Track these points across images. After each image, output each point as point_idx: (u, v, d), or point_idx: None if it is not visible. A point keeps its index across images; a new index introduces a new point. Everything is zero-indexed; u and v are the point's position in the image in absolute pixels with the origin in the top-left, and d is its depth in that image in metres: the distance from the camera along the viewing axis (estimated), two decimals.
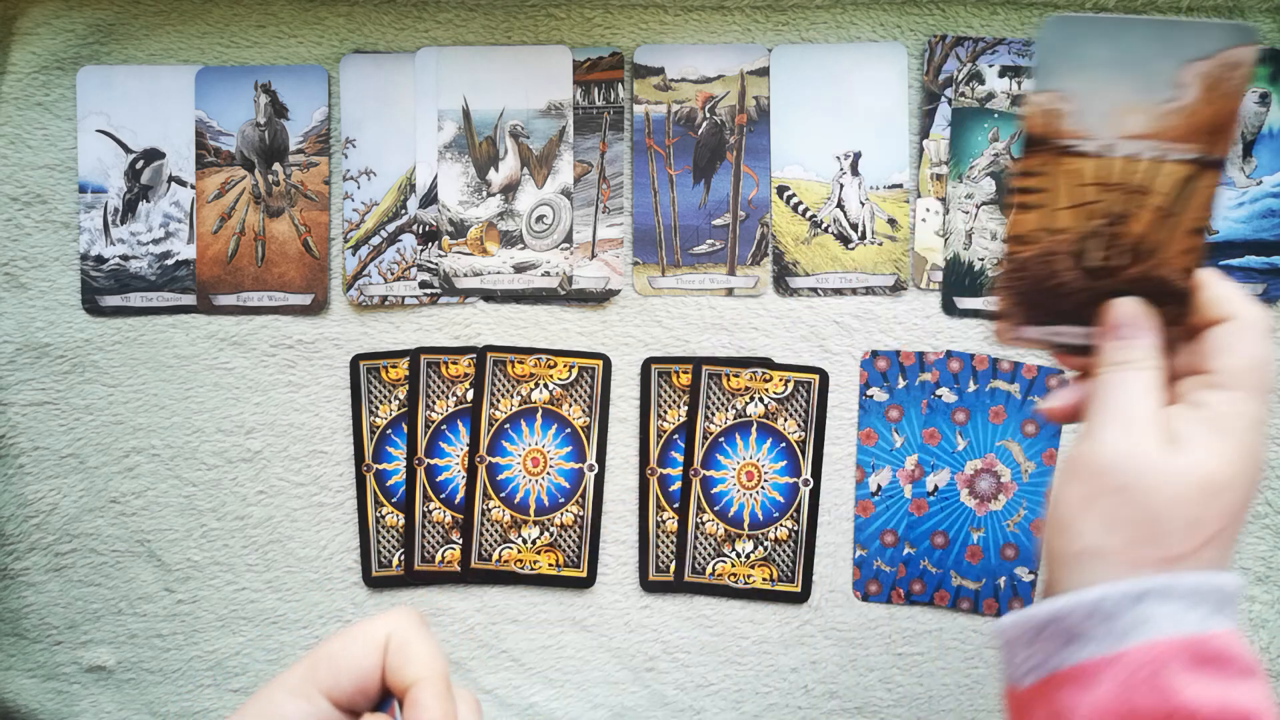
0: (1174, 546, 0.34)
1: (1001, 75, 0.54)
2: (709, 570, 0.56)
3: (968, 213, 0.55)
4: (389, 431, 0.56)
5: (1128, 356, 0.38)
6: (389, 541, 0.56)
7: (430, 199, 0.55)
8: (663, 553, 0.56)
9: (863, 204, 0.55)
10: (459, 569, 0.56)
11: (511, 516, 0.56)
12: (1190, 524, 0.34)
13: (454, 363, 0.56)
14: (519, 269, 0.56)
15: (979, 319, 0.55)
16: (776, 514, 0.56)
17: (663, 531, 0.56)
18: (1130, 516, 0.35)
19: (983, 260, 0.55)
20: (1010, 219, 0.40)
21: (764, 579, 0.56)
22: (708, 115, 0.55)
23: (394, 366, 0.56)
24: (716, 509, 0.56)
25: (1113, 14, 0.43)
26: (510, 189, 0.56)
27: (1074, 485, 0.36)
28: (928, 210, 0.55)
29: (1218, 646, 0.33)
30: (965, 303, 0.55)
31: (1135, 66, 0.38)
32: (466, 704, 0.32)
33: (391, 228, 0.56)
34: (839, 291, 0.55)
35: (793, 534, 0.56)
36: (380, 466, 0.56)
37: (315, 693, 0.30)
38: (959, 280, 0.55)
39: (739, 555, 0.56)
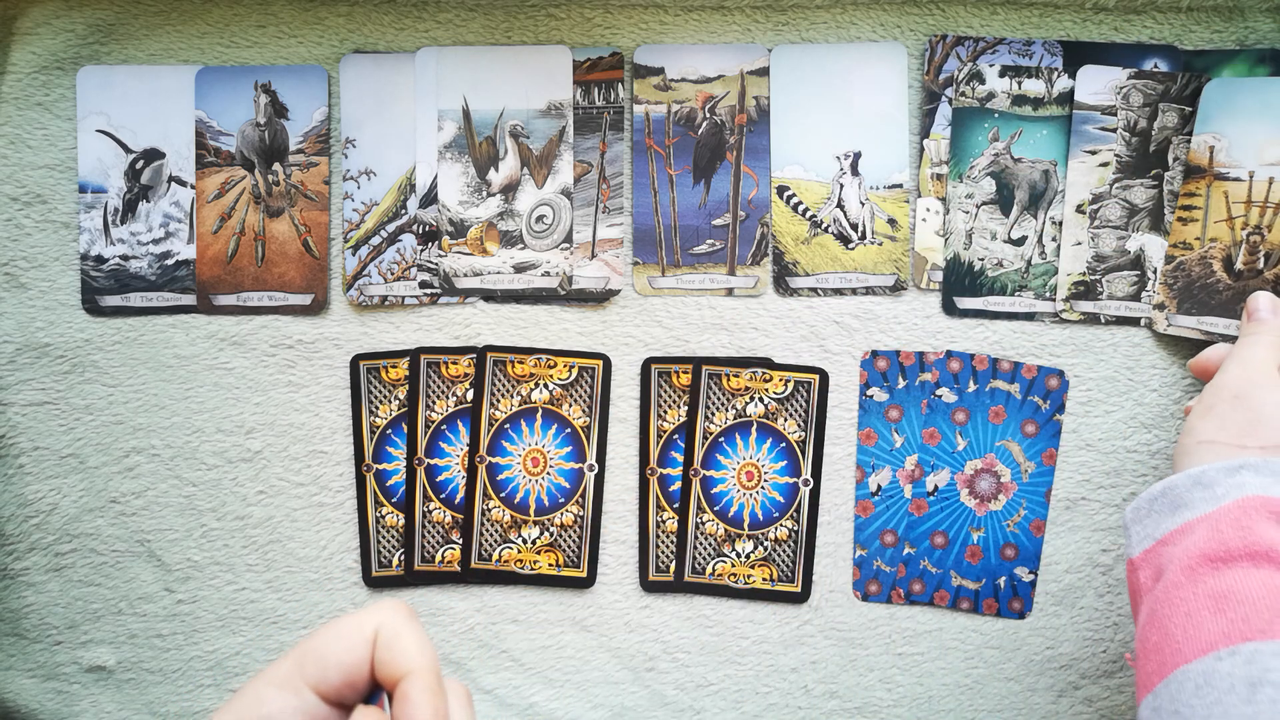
0: (1272, 438, 0.43)
1: (1002, 75, 0.54)
2: (709, 570, 0.56)
3: (968, 212, 0.55)
4: (389, 431, 0.56)
5: (1257, 330, 0.48)
6: (389, 541, 0.56)
7: (430, 199, 0.55)
8: (663, 553, 0.56)
9: (863, 204, 0.55)
10: (459, 569, 0.56)
11: (511, 516, 0.56)
12: None
13: (454, 363, 0.56)
14: (519, 269, 0.56)
15: (979, 319, 0.55)
16: (776, 514, 0.56)
17: (663, 531, 0.56)
18: (1239, 418, 0.44)
19: (982, 260, 0.55)
20: (1173, 228, 0.53)
21: (764, 579, 0.56)
22: (708, 115, 0.55)
23: (394, 366, 0.56)
24: (716, 509, 0.56)
25: (1264, 78, 0.52)
26: (510, 189, 0.56)
27: (1200, 404, 0.46)
28: (928, 210, 0.55)
29: None
30: (965, 302, 0.55)
31: (1274, 112, 0.51)
32: (457, 696, 0.32)
33: (391, 228, 0.56)
34: (839, 291, 0.55)
35: (793, 534, 0.56)
36: (380, 466, 0.56)
37: (303, 686, 0.29)
38: (959, 280, 0.55)
39: (739, 555, 0.56)
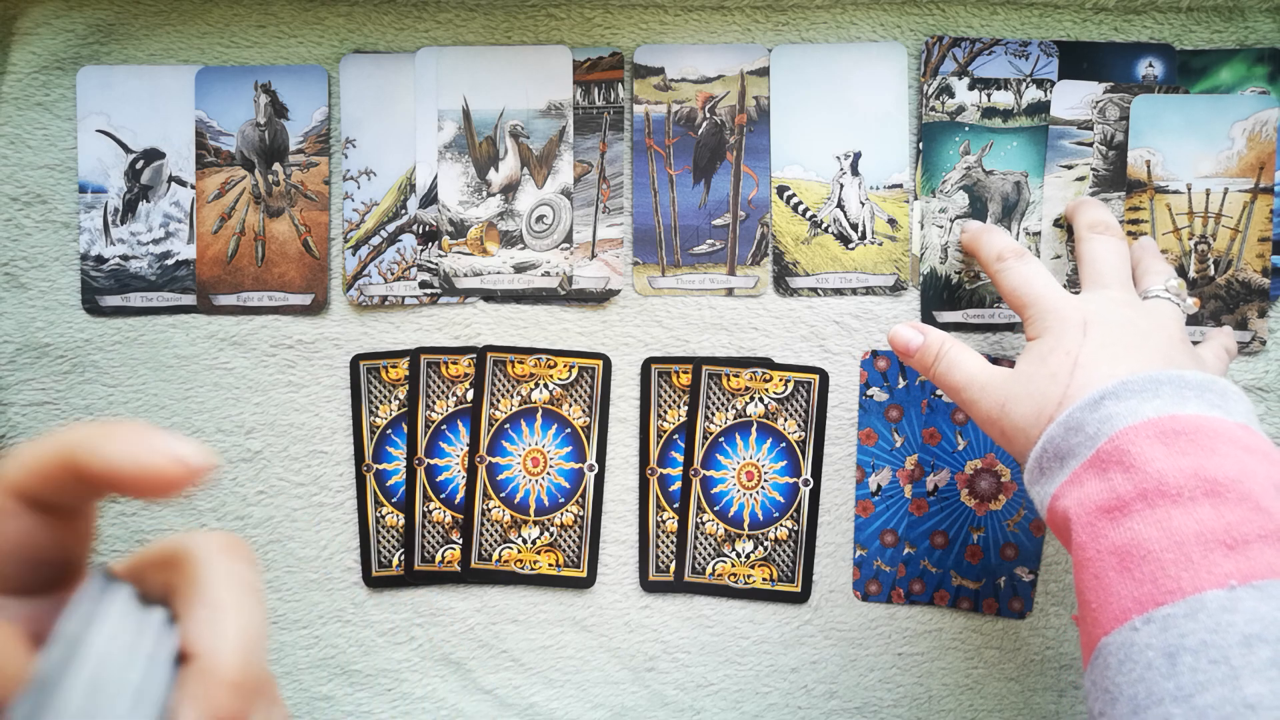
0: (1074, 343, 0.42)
1: (971, 88, 0.54)
2: (709, 570, 0.56)
3: (942, 227, 0.55)
4: (389, 431, 0.56)
5: (940, 349, 0.47)
6: (389, 541, 0.56)
7: (430, 199, 0.55)
8: (663, 553, 0.56)
9: (863, 204, 0.55)
10: (459, 569, 0.56)
11: (511, 516, 0.56)
12: (1049, 375, 0.41)
13: (454, 363, 0.56)
14: (519, 269, 0.56)
15: (958, 333, 0.55)
16: (776, 514, 0.56)
17: (663, 531, 0.56)
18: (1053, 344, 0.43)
19: (959, 274, 0.55)
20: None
21: (764, 579, 0.56)
22: (708, 115, 0.55)
23: (394, 366, 0.56)
24: (716, 509, 0.56)
25: (1182, 94, 0.53)
26: (510, 189, 0.56)
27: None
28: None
29: (1187, 423, 0.37)
30: (944, 316, 0.55)
31: (1199, 128, 0.53)
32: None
33: (391, 228, 0.56)
34: (839, 291, 0.55)
35: (793, 534, 0.56)
36: (380, 466, 0.56)
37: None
38: (937, 294, 0.55)
39: (739, 555, 0.56)
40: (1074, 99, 0.54)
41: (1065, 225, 0.54)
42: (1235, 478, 0.35)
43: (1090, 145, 0.54)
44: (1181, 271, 0.54)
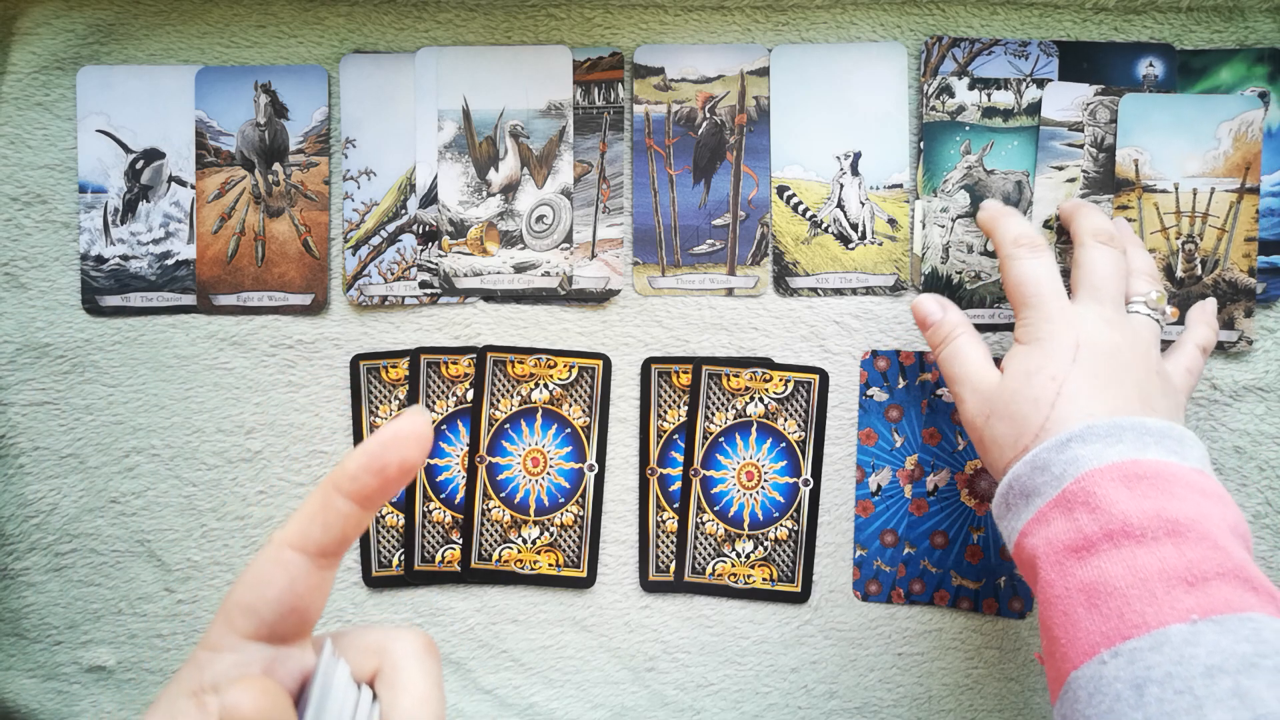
0: (1060, 365, 0.43)
1: (971, 88, 0.54)
2: (709, 570, 0.56)
3: (943, 226, 0.55)
4: None
5: (951, 332, 0.48)
6: (389, 541, 0.56)
7: (430, 199, 0.55)
8: (663, 553, 0.56)
9: (863, 204, 0.55)
10: (459, 569, 0.56)
11: (511, 516, 0.56)
12: (1033, 400, 0.42)
13: (454, 363, 0.56)
14: (519, 269, 0.56)
15: None
16: (776, 514, 0.56)
17: (663, 531, 0.56)
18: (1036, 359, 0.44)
19: (959, 274, 0.55)
20: None
21: (764, 579, 0.56)
22: (708, 115, 0.55)
23: (394, 366, 0.56)
24: (716, 509, 0.56)
25: (1170, 94, 0.54)
26: (510, 189, 0.56)
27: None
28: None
29: (1148, 468, 0.39)
30: None
31: (1186, 128, 0.53)
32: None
33: (391, 228, 0.56)
34: (839, 291, 0.55)
35: (793, 534, 0.56)
36: None
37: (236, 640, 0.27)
38: (937, 294, 0.55)
39: (739, 555, 0.56)
40: (1065, 100, 0.54)
41: (1056, 227, 0.54)
42: (1194, 519, 0.37)
43: (1081, 147, 0.54)
44: (1169, 271, 0.54)
